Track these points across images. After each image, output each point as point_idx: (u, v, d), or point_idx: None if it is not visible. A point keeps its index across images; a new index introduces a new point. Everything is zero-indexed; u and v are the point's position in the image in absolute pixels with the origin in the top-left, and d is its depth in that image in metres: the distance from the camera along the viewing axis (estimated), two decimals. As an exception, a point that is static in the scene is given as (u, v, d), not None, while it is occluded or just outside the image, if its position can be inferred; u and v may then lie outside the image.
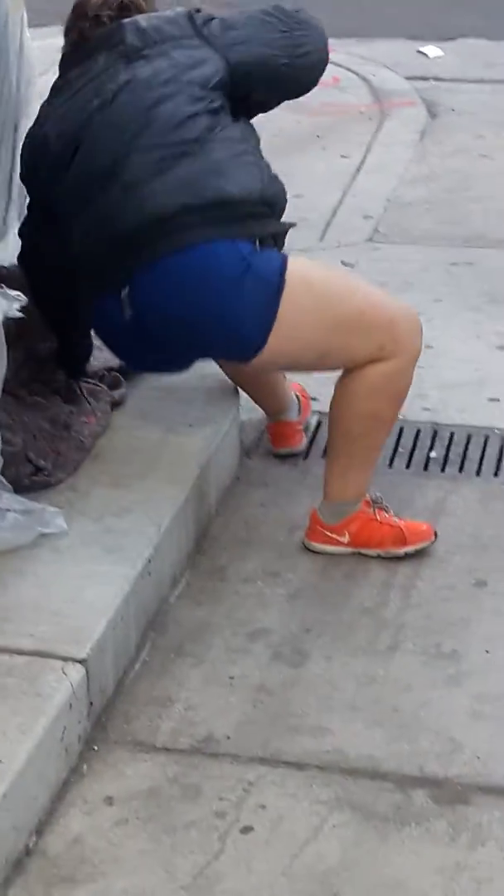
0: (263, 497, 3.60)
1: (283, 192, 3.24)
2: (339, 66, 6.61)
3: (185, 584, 3.27)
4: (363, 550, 3.35)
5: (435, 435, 3.88)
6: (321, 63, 3.36)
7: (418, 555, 3.34)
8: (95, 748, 2.78)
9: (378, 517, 3.36)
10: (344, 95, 6.59)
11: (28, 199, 3.40)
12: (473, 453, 3.79)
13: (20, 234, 3.41)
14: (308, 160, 5.74)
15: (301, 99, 3.46)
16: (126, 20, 3.24)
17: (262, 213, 3.16)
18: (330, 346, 3.20)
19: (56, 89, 3.28)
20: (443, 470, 3.73)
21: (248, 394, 3.71)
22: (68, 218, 3.18)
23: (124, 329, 3.18)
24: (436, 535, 3.38)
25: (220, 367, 3.62)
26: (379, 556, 3.34)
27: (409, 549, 3.35)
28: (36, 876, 2.50)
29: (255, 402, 3.74)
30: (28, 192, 3.36)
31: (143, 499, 3.23)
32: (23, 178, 3.36)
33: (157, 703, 2.90)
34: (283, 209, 3.24)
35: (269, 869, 2.51)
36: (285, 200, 3.25)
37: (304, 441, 3.79)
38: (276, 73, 3.25)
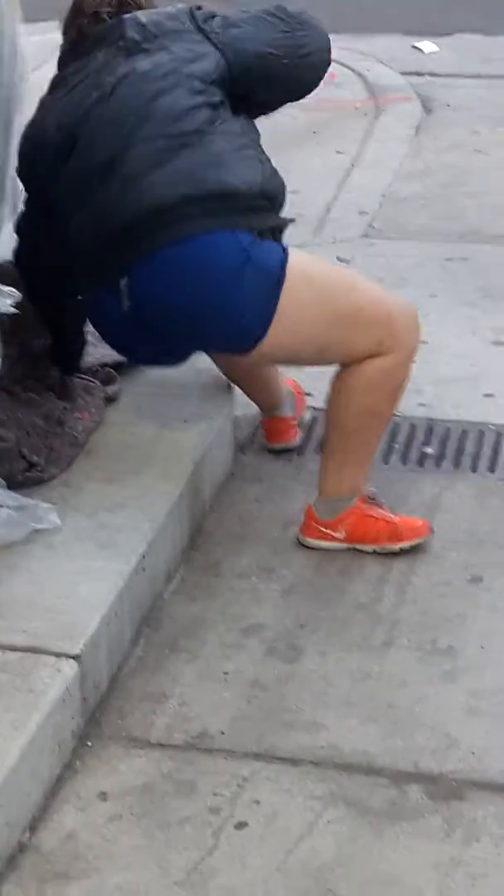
0: (258, 492, 3.59)
1: (283, 187, 3.24)
2: (335, 61, 6.50)
3: (179, 580, 3.27)
4: (358, 546, 3.35)
5: (430, 430, 3.87)
6: (323, 64, 3.35)
7: (413, 551, 3.34)
8: (89, 744, 2.77)
9: (373, 513, 3.35)
10: (339, 91, 6.58)
11: (25, 195, 3.39)
12: (469, 449, 3.79)
13: (16, 230, 3.41)
14: (303, 156, 5.73)
15: (297, 95, 3.46)
16: (126, 16, 3.24)
17: (262, 206, 3.15)
18: (329, 341, 3.19)
19: (54, 85, 3.27)
20: (438, 466, 3.73)
21: (242, 389, 3.70)
22: (67, 211, 3.17)
23: (123, 321, 3.17)
24: (431, 530, 3.38)
25: (215, 362, 3.62)
26: (374, 552, 3.34)
27: (405, 544, 3.34)
28: (29, 872, 2.50)
29: (250, 397, 3.73)
30: (25, 187, 3.35)
31: (137, 494, 3.22)
32: (20, 173, 3.35)
33: (152, 698, 2.90)
34: (283, 204, 3.24)
35: (263, 864, 2.51)
36: (285, 195, 3.24)
37: (299, 436, 3.79)
38: (275, 71, 3.24)
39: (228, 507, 3.53)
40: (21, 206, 3.44)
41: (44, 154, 3.20)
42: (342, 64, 6.76)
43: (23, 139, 3.31)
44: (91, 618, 2.84)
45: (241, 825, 2.59)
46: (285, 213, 3.26)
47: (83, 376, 3.57)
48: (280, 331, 3.11)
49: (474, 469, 3.71)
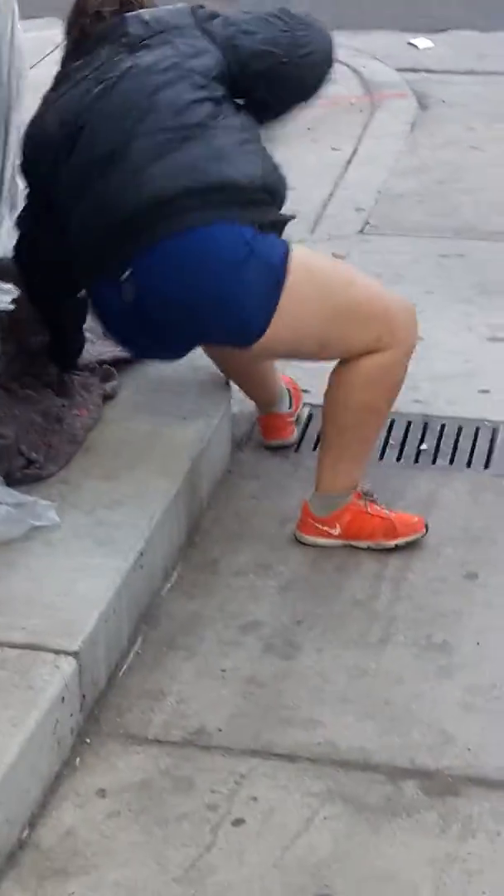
0: (255, 489, 3.60)
1: (285, 183, 3.24)
2: (330, 57, 6.59)
3: (176, 577, 3.28)
4: (354, 542, 3.36)
5: (426, 427, 3.88)
6: (324, 64, 3.34)
7: (409, 547, 3.35)
8: (88, 741, 2.79)
9: (369, 509, 3.37)
10: (335, 87, 6.50)
11: (26, 192, 3.39)
12: (464, 445, 3.80)
13: (17, 226, 3.40)
14: (299, 152, 5.72)
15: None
16: (129, 13, 3.26)
17: (264, 200, 3.16)
18: (329, 336, 3.20)
19: (58, 81, 3.29)
20: (433, 462, 3.74)
21: (239, 386, 3.71)
22: (69, 204, 3.17)
23: (125, 313, 3.17)
24: (427, 527, 3.39)
25: (212, 359, 3.63)
26: (370, 549, 3.35)
27: (400, 541, 3.35)
28: (29, 868, 2.51)
29: (247, 394, 3.74)
30: (27, 183, 3.35)
31: (135, 491, 3.23)
32: (22, 169, 3.34)
33: (150, 695, 2.91)
34: (284, 200, 3.24)
35: (260, 861, 2.52)
36: (286, 191, 3.25)
37: (296, 433, 3.80)
38: (274, 70, 3.24)
39: (226, 504, 3.54)
40: (21, 203, 3.44)
41: (46, 148, 3.21)
42: (337, 60, 6.75)
43: (25, 135, 3.31)
44: (89, 615, 2.85)
45: (238, 822, 2.61)
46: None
47: (81, 373, 3.57)
48: (281, 325, 3.12)
49: (469, 465, 3.72)
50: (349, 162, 5.77)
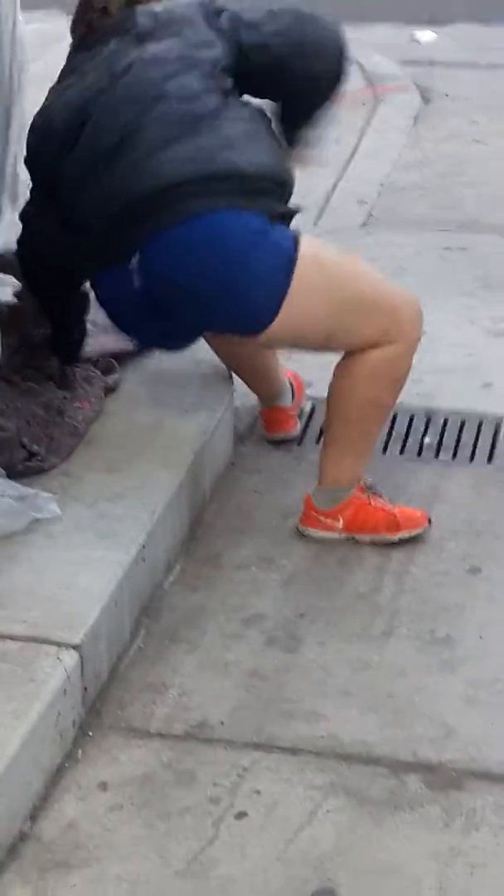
0: (257, 483, 3.59)
1: (292, 175, 3.24)
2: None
3: (179, 570, 3.27)
4: (357, 536, 3.35)
5: (429, 420, 3.87)
6: (334, 57, 3.28)
7: (412, 540, 3.35)
8: (90, 734, 2.78)
9: (372, 503, 3.36)
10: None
11: (30, 184, 3.38)
12: (467, 439, 3.79)
13: (21, 219, 3.39)
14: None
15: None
16: (138, 7, 3.25)
17: (271, 189, 3.15)
18: (336, 327, 3.20)
19: (64, 74, 3.28)
20: (437, 456, 3.74)
21: (242, 379, 3.71)
22: (75, 193, 3.15)
23: (132, 301, 3.16)
24: (430, 521, 3.38)
25: (215, 351, 3.62)
26: (373, 542, 3.34)
27: (403, 535, 3.35)
28: (30, 861, 2.50)
29: (249, 387, 3.73)
30: (32, 175, 3.34)
31: (137, 484, 3.23)
32: (27, 161, 3.33)
33: (152, 688, 2.90)
34: (291, 192, 3.24)
35: (263, 854, 2.52)
36: (293, 183, 3.24)
37: (298, 427, 3.79)
38: (282, 64, 3.23)
39: (228, 498, 3.53)
40: (22, 196, 3.44)
41: (52, 139, 3.20)
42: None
43: (31, 127, 3.30)
44: (91, 608, 2.84)
45: (240, 815, 2.60)
46: (285, 203, 3.26)
47: (83, 366, 3.57)
48: (289, 314, 3.11)
49: (472, 459, 3.72)
50: (352, 155, 5.77)
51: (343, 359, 3.28)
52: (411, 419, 3.87)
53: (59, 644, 2.74)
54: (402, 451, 3.75)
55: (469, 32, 7.40)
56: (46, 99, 3.28)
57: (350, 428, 3.31)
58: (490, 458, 3.71)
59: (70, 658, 2.72)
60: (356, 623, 3.10)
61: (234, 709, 2.85)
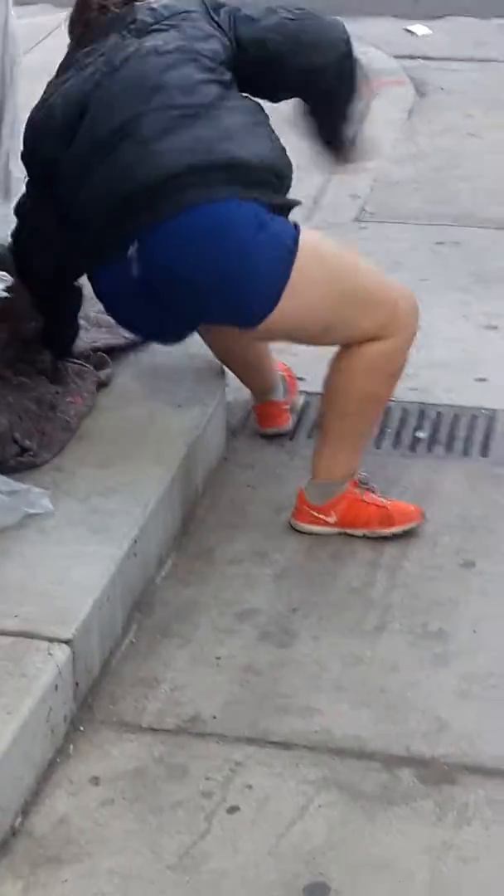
0: (250, 477, 3.59)
1: (291, 168, 3.23)
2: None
3: (171, 565, 3.27)
4: (350, 531, 3.35)
5: (422, 415, 3.87)
6: (334, 52, 3.29)
7: (405, 535, 3.34)
8: (81, 729, 2.78)
9: (365, 497, 3.36)
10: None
11: (27, 178, 3.37)
12: (461, 433, 3.79)
13: (17, 214, 3.38)
14: (295, 139, 5.70)
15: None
16: (137, 3, 3.25)
17: (270, 181, 3.14)
18: (334, 320, 3.19)
19: (63, 69, 3.27)
20: (430, 450, 3.73)
21: (234, 373, 3.70)
22: (74, 186, 3.14)
23: (130, 292, 3.15)
24: (423, 516, 3.38)
25: (208, 345, 3.61)
26: (365, 537, 3.34)
27: (396, 529, 3.34)
28: (22, 856, 2.50)
29: (242, 381, 3.73)
30: (29, 170, 3.32)
31: (130, 479, 3.22)
32: (24, 156, 3.32)
33: (144, 683, 2.90)
34: (290, 185, 3.23)
35: (255, 849, 2.52)
36: (292, 176, 3.24)
37: (291, 421, 3.79)
38: (282, 57, 3.22)
39: (221, 492, 3.53)
40: (14, 192, 3.43)
41: (50, 130, 3.19)
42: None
43: (29, 121, 3.29)
44: (83, 602, 2.84)
45: (233, 809, 2.60)
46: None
47: (75, 360, 3.56)
48: (288, 306, 3.10)
49: (466, 453, 3.71)
50: (346, 149, 5.75)
51: (339, 353, 3.28)
52: (405, 413, 3.86)
53: (50, 639, 2.73)
54: (395, 446, 3.75)
55: (464, 26, 7.38)
56: (45, 93, 3.27)
57: (345, 422, 3.31)
58: (484, 453, 3.71)
59: (62, 653, 2.72)
60: (349, 617, 3.09)
61: (226, 703, 2.85)
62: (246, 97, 3.23)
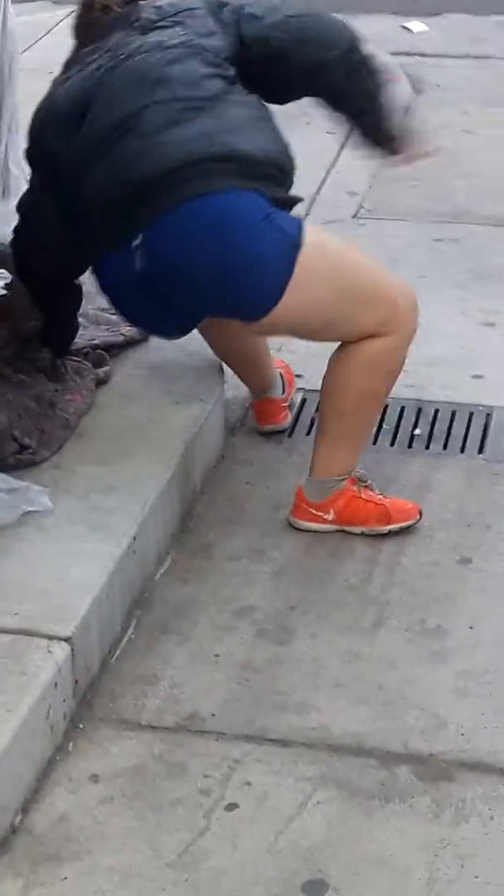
0: (248, 475, 3.60)
1: (294, 163, 3.23)
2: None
3: (170, 562, 3.27)
4: (348, 528, 3.35)
5: (419, 412, 3.88)
6: (336, 43, 3.31)
7: (403, 532, 3.35)
8: (81, 726, 2.78)
9: (363, 495, 3.36)
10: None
11: (29, 175, 3.37)
12: (458, 430, 3.80)
13: (18, 211, 3.38)
14: (293, 136, 5.68)
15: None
16: (141, 2, 3.26)
17: (273, 175, 3.14)
18: (336, 316, 3.19)
19: (68, 66, 3.28)
20: (427, 447, 3.74)
21: (233, 370, 3.71)
22: (77, 179, 3.14)
23: (134, 284, 3.15)
24: (420, 513, 3.39)
25: (207, 341, 3.62)
26: (363, 534, 3.35)
27: (393, 527, 3.35)
28: (22, 854, 2.51)
29: (241, 378, 3.73)
30: (32, 165, 3.31)
31: (129, 477, 3.23)
32: (28, 151, 3.31)
33: (143, 680, 2.91)
34: (292, 181, 3.23)
35: (253, 846, 2.52)
36: (294, 172, 3.24)
37: (289, 418, 3.79)
38: (281, 54, 3.23)
39: (219, 490, 3.53)
40: (14, 190, 3.43)
41: (54, 125, 3.19)
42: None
43: (34, 115, 3.29)
44: (82, 600, 2.85)
45: (231, 806, 2.61)
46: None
47: (74, 358, 3.57)
48: (292, 300, 3.10)
49: (463, 450, 3.72)
50: (343, 146, 5.75)
51: (339, 350, 3.28)
52: (402, 410, 3.87)
53: (50, 637, 2.74)
54: (392, 443, 3.75)
55: (460, 23, 7.37)
56: (50, 88, 3.28)
57: (344, 419, 3.31)
58: (481, 450, 3.72)
59: (61, 650, 2.73)
60: (347, 615, 3.10)
61: (225, 701, 2.85)
62: (250, 91, 3.23)
